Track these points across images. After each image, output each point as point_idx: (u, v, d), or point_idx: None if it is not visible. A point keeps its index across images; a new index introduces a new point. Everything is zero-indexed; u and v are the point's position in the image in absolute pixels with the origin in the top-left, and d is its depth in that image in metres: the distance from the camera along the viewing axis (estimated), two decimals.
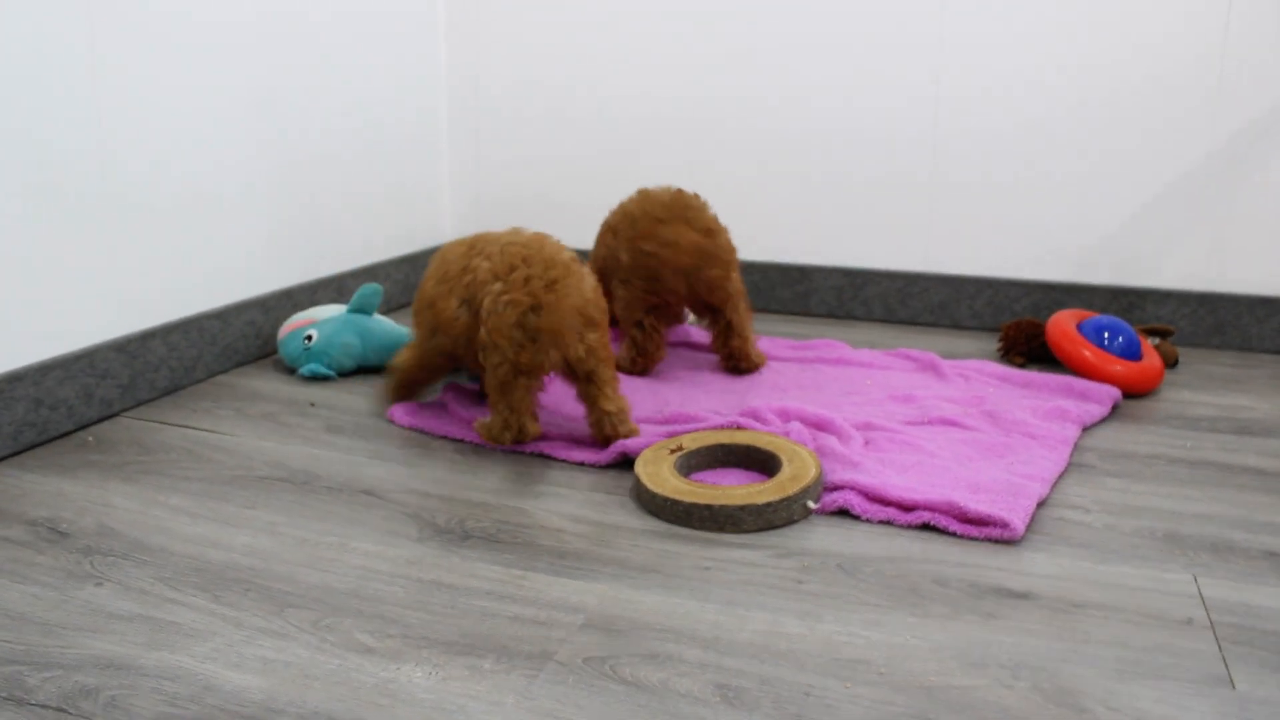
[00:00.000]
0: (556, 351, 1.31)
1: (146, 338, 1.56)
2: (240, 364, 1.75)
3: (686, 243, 1.60)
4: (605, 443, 1.37)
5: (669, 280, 1.61)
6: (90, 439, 1.42)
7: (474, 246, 1.41)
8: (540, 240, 1.37)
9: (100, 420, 1.49)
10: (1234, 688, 0.87)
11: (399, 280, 2.19)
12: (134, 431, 1.46)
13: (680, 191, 1.67)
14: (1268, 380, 1.71)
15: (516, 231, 1.41)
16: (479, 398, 1.57)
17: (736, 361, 1.69)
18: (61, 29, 1.39)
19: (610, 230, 1.71)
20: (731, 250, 1.66)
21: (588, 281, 1.35)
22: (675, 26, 2.12)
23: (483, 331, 1.33)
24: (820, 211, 2.11)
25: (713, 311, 1.68)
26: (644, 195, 1.68)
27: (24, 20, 1.33)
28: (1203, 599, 1.01)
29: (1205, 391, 1.65)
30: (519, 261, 1.33)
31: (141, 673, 0.89)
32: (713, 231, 1.63)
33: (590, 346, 1.33)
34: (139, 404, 1.56)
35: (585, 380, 1.35)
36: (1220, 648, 0.93)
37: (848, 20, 2.01)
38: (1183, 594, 1.02)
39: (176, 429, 1.47)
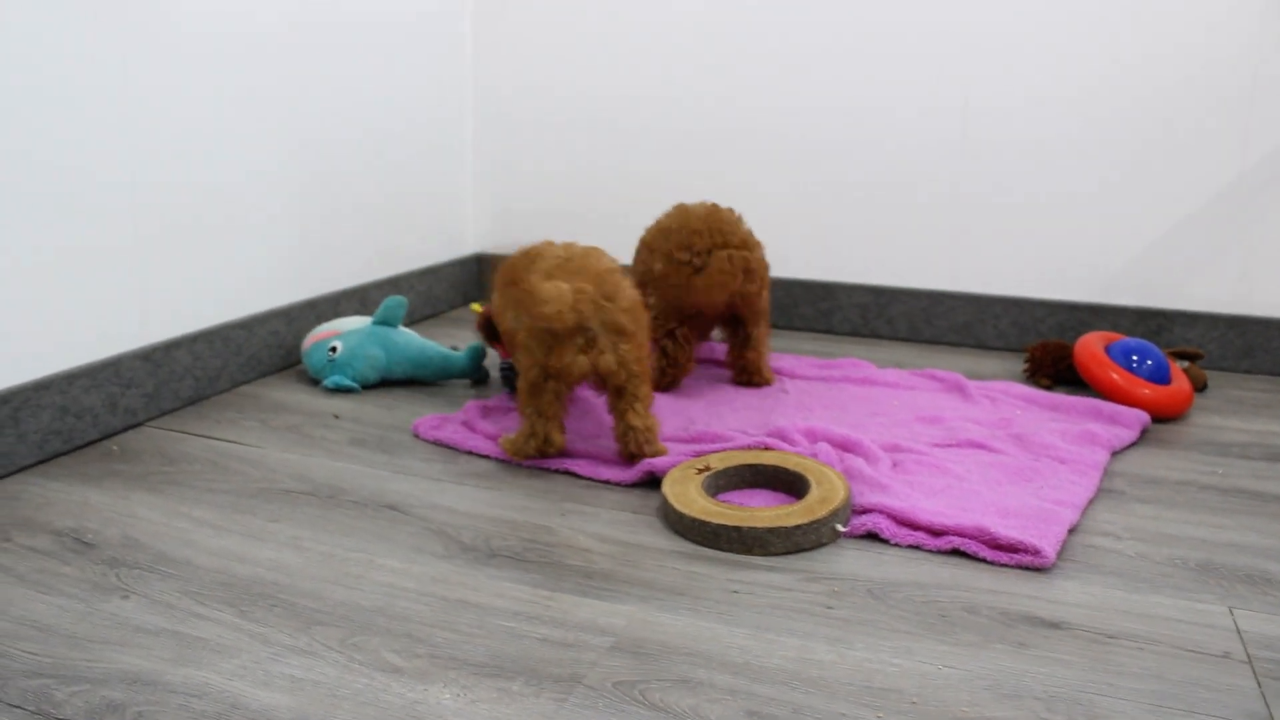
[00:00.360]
0: (585, 358, 1.30)
1: (171, 347, 1.56)
2: (264, 374, 1.75)
3: (728, 256, 1.61)
4: (630, 459, 1.36)
5: (708, 292, 1.62)
6: (115, 448, 1.43)
7: (534, 263, 1.39)
8: (586, 252, 1.37)
9: (125, 429, 1.49)
10: None
11: (422, 292, 2.19)
12: (158, 441, 1.46)
13: (715, 206, 1.67)
14: None
15: (570, 245, 1.40)
16: (504, 413, 1.56)
17: (750, 375, 1.72)
18: (95, 48, 1.39)
19: (645, 245, 1.71)
20: (765, 266, 1.67)
21: (626, 292, 1.34)
22: (703, 42, 2.12)
23: (520, 334, 1.33)
24: (845, 228, 2.11)
25: (735, 324, 1.69)
26: (681, 209, 1.68)
27: (59, 38, 1.34)
28: (1239, 632, 1.00)
29: (1235, 417, 1.64)
30: (554, 269, 1.33)
31: (169, 689, 0.88)
32: (750, 245, 1.64)
33: (622, 358, 1.32)
34: (163, 414, 1.56)
35: (616, 393, 1.34)
36: (1259, 683, 0.91)
37: (875, 37, 2.01)
38: (1219, 626, 1.01)
39: (200, 439, 1.47)
